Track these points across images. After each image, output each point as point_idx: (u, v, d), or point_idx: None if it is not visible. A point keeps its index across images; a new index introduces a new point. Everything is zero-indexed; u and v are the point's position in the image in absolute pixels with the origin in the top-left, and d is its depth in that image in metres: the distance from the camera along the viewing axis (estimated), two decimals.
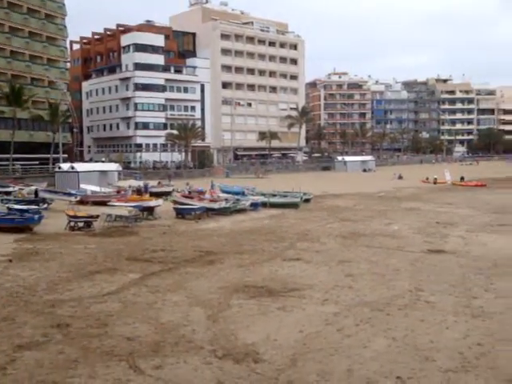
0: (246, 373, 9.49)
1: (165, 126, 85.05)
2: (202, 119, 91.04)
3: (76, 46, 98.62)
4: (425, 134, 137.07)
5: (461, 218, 31.55)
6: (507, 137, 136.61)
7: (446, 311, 13.21)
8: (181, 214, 31.47)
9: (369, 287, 15.56)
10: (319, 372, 9.56)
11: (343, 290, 15.23)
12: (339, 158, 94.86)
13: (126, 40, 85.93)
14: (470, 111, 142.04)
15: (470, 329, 11.90)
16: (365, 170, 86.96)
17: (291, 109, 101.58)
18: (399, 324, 12.21)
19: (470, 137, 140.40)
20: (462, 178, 59.06)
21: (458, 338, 11.33)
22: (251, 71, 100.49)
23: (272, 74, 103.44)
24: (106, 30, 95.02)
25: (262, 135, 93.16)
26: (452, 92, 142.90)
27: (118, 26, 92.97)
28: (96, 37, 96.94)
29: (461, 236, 25.03)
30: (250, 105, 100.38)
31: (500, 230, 27.08)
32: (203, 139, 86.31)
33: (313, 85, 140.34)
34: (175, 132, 78.48)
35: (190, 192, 39.79)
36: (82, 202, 36.06)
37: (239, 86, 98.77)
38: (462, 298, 14.48)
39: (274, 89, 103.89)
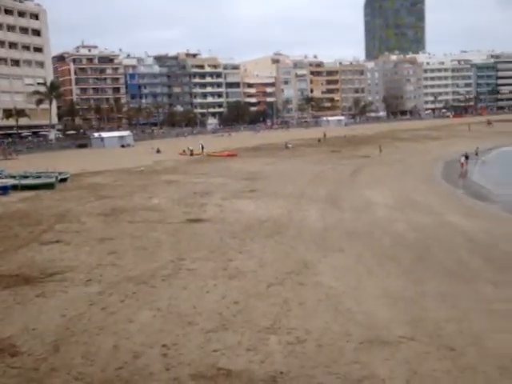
0: (1, 369, 8.83)
1: None
2: None
3: None
4: (179, 108, 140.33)
5: (216, 187, 33.38)
6: (252, 108, 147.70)
7: (206, 276, 13.99)
8: None
9: (132, 262, 15.63)
10: (84, 354, 9.37)
11: (106, 268, 15.04)
12: (95, 134, 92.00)
13: None
14: (218, 85, 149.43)
15: (227, 289, 12.81)
16: (123, 146, 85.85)
17: (38, 84, 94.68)
18: (163, 294, 12.56)
19: (221, 109, 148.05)
20: (202, 148, 62.23)
21: (217, 299, 12.11)
22: None
23: (13, 45, 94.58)
24: None
25: (8, 113, 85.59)
26: (201, 66, 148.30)
27: None
28: None
29: (217, 204, 26.54)
30: None
31: (250, 195, 29.47)
32: None
33: (61, 58, 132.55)
34: None
35: None
36: None
37: None
38: (219, 262, 15.47)
39: (16, 62, 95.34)
